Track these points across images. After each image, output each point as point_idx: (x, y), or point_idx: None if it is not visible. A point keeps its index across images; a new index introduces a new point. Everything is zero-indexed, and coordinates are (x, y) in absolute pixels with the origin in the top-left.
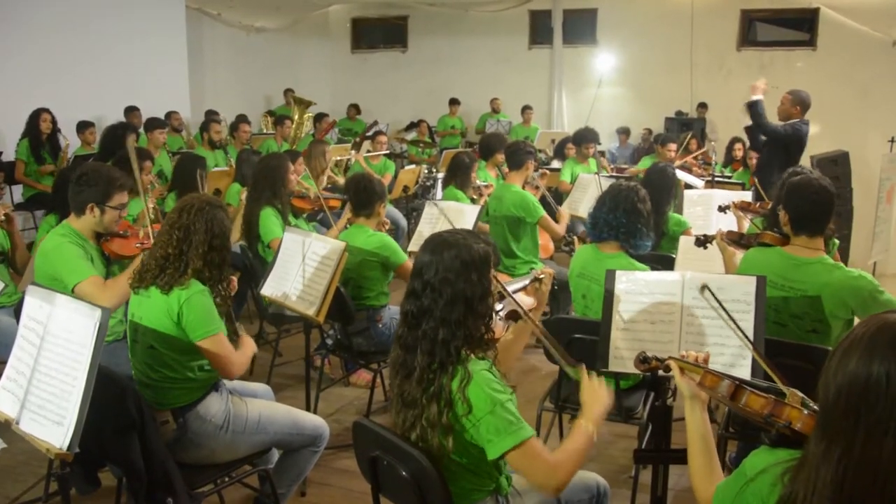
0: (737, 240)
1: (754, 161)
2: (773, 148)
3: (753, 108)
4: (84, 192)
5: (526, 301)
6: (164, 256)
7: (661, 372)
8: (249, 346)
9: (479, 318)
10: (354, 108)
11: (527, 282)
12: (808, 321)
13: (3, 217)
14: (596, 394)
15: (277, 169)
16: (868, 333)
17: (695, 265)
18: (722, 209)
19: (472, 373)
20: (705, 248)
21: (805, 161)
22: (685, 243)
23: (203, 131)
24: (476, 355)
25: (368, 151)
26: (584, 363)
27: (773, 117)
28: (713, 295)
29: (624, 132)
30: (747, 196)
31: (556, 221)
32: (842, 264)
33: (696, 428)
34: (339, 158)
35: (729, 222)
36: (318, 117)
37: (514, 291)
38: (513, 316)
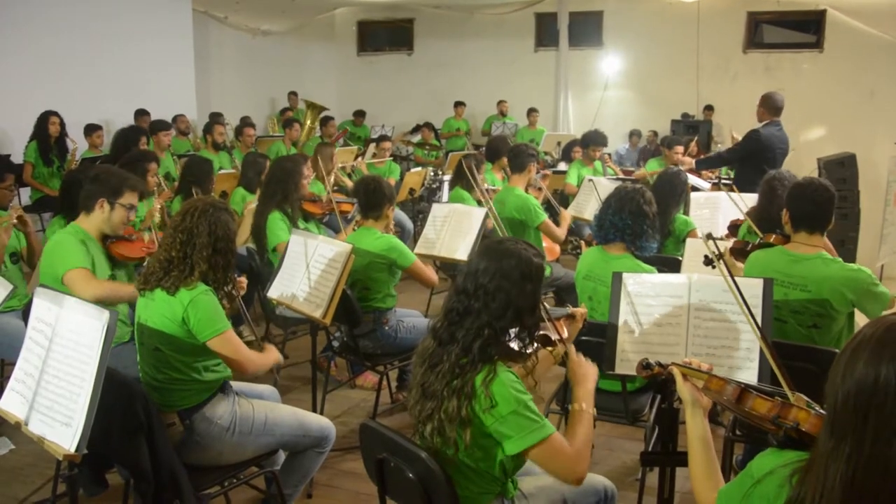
0: (742, 248)
1: None
2: (742, 163)
3: (697, 171)
4: (96, 189)
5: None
6: (168, 259)
7: (663, 377)
8: (272, 355)
9: (524, 328)
10: (360, 115)
11: (562, 313)
12: (808, 316)
13: (15, 220)
14: (582, 370)
15: (291, 173)
16: (876, 335)
17: (702, 268)
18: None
19: (498, 371)
20: (713, 267)
21: (812, 163)
22: (692, 246)
23: (206, 133)
24: (505, 363)
25: (374, 155)
26: (572, 344)
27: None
28: (724, 264)
29: (635, 134)
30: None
31: (558, 224)
32: (840, 259)
33: (697, 433)
34: (343, 165)
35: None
36: (324, 121)
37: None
38: (542, 340)
